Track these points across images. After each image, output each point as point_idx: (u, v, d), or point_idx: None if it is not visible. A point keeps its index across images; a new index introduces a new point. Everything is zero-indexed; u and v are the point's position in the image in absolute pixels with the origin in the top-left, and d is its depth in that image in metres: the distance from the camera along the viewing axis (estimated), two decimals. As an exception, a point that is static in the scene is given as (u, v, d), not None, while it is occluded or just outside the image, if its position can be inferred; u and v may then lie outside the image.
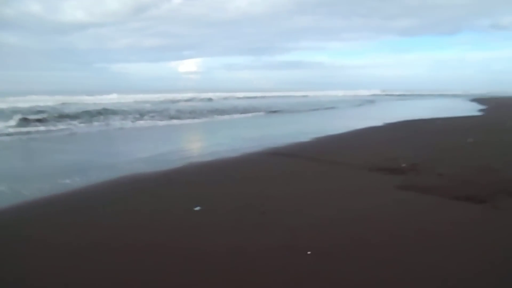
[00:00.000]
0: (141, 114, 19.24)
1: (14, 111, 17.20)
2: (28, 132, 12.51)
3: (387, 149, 8.75)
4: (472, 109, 24.33)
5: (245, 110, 22.90)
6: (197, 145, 10.65)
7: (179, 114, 20.07)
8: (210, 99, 36.94)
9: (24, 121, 14.54)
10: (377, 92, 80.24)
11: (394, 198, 4.85)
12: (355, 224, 3.92)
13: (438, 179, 5.81)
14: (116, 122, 16.10)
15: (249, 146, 9.35)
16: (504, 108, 26.22)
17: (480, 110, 23.16)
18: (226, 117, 19.82)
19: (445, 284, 2.73)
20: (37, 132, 12.78)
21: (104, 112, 18.78)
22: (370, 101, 41.06)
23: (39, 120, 15.17)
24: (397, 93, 75.98)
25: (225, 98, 41.25)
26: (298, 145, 9.48)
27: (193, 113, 20.69)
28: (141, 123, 16.32)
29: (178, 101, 33.28)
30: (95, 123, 15.64)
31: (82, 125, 15.05)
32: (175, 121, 17.39)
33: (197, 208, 4.36)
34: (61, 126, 14.33)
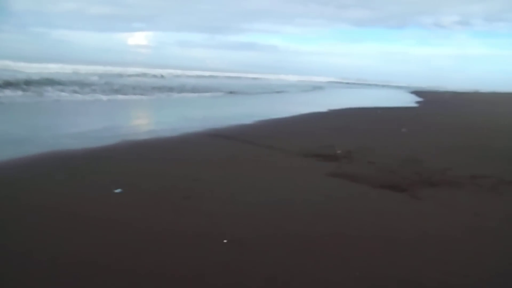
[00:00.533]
0: (82, 86, 18.00)
1: None
2: None
3: (327, 136, 8.86)
4: (410, 101, 25.59)
5: (194, 89, 22.29)
6: (136, 122, 10.12)
7: (125, 89, 19.05)
8: (162, 76, 35.50)
9: None
10: (329, 79, 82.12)
11: (322, 186, 4.86)
12: (278, 211, 3.85)
13: (368, 168, 5.93)
14: (52, 94, 14.90)
15: (190, 126, 9.03)
16: (438, 102, 27.88)
17: (417, 102, 24.40)
18: (175, 95, 19.16)
19: (359, 270, 2.73)
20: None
21: (39, 82, 17.30)
22: (320, 87, 41.89)
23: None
24: (347, 81, 78.40)
25: (177, 76, 39.91)
26: (240, 128, 9.32)
27: (140, 89, 19.72)
28: (80, 96, 15.25)
29: (125, 75, 31.62)
30: (28, 93, 14.36)
31: (12, 94, 13.74)
32: (119, 96, 16.48)
33: (118, 191, 4.06)
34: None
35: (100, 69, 32.89)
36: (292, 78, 67.19)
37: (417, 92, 40.86)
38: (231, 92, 23.12)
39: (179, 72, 47.88)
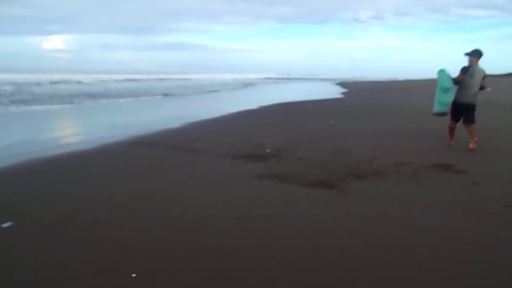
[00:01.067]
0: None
1: None
2: None
3: (256, 134, 8.61)
4: (336, 92, 26.61)
5: (119, 95, 20.89)
6: (48, 136, 8.99)
7: (40, 99, 17.24)
8: (79, 82, 32.84)
9: None
10: (260, 75, 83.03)
11: (250, 190, 4.54)
12: (198, 225, 3.45)
13: (297, 165, 5.77)
14: None
15: (112, 135, 8.25)
16: (361, 92, 29.36)
17: (342, 93, 25.43)
18: (97, 102, 17.73)
19: (291, 269, 2.43)
20: None
21: None
22: (251, 84, 42.03)
23: None
24: (277, 76, 79.91)
25: (102, 81, 37.42)
26: (166, 133, 8.72)
27: (58, 98, 17.97)
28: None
29: (42, 83, 28.82)
30: None
31: None
32: (33, 107, 14.78)
33: (6, 225, 3.36)
34: None
35: (9, 77, 29.59)
36: (224, 76, 66.85)
37: (342, 84, 42.82)
38: (159, 95, 22.09)
39: (103, 76, 45.03)
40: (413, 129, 9.41)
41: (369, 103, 17.96)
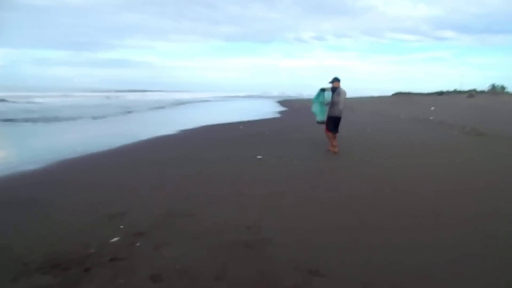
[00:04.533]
0: None
1: None
2: None
3: (131, 187, 5.34)
4: (275, 112, 23.96)
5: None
6: None
7: None
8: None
9: None
10: (204, 94, 79.78)
11: None
12: None
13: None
14: None
15: None
16: (300, 110, 27.07)
17: (280, 113, 22.87)
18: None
19: None
20: None
21: None
22: (188, 102, 38.52)
23: None
24: (222, 94, 76.97)
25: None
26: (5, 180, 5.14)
27: None
28: None
29: None
30: None
31: None
32: None
33: None
34: None
35: None
36: (164, 95, 62.65)
37: (282, 102, 40.61)
38: (54, 119, 17.93)
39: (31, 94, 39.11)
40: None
41: (304, 125, 15.38)
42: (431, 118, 16.40)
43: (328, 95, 8.07)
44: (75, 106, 25.77)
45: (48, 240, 3.44)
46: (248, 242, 3.46)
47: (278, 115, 20.87)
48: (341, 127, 8.58)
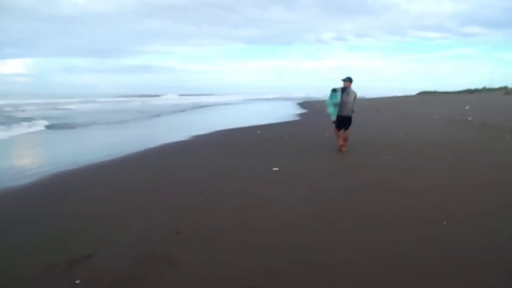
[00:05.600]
0: None
1: None
2: None
3: (106, 217, 4.25)
4: (294, 114, 22.54)
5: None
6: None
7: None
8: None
9: None
10: (226, 97, 79.24)
11: None
12: None
13: None
14: None
15: None
16: (321, 112, 25.58)
17: (300, 115, 21.48)
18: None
19: None
20: None
21: None
22: (208, 106, 37.70)
23: None
24: (244, 97, 76.02)
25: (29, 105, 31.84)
26: None
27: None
28: None
29: None
30: None
31: None
32: None
33: None
34: None
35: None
36: (184, 98, 62.40)
37: (303, 104, 39.00)
38: (72, 125, 17.31)
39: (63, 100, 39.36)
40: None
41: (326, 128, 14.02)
42: (470, 118, 14.67)
43: (340, 96, 8.05)
44: (94, 112, 25.35)
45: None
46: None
47: (298, 118, 19.56)
48: (369, 129, 7.32)
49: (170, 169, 6.71)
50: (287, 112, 24.86)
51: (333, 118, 8.27)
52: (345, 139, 8.27)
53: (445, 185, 5.46)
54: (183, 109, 29.83)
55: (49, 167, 6.91)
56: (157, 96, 74.27)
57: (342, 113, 8.08)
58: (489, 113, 16.72)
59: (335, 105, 8.14)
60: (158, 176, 6.08)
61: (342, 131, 8.30)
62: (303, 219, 4.03)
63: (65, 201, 4.75)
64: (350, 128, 8.31)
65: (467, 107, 19.53)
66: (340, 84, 8.15)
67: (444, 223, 3.84)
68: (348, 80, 8.08)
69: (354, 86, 8.22)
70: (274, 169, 6.52)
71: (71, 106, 32.28)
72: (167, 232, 3.67)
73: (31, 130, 14.11)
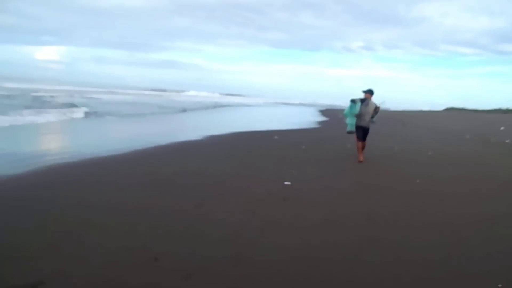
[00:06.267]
0: None
1: None
2: None
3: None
4: (314, 121, 21.56)
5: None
6: None
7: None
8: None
9: None
10: (248, 98, 78.71)
11: None
12: None
13: None
14: None
15: None
16: (343, 121, 24.49)
17: (320, 123, 20.48)
18: None
19: None
20: None
21: None
22: (228, 105, 37.12)
23: None
24: (267, 100, 75.10)
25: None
26: None
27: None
28: None
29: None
30: None
31: None
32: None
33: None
34: None
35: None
36: (207, 96, 62.16)
37: (324, 111, 37.81)
38: (105, 114, 16.99)
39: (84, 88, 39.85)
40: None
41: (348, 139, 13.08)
42: (507, 141, 13.38)
43: (359, 106, 8.08)
44: (116, 103, 25.16)
45: None
46: None
47: (318, 126, 18.62)
48: (395, 143, 6.40)
49: (171, 173, 6.02)
50: (308, 119, 23.94)
51: (349, 128, 8.33)
52: (362, 148, 8.29)
53: (482, 219, 4.53)
54: (204, 107, 29.36)
55: (37, 159, 6.36)
56: (181, 91, 74.42)
57: (360, 123, 8.13)
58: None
59: (354, 115, 8.16)
60: (154, 182, 5.39)
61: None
62: (315, 254, 3.23)
63: (34, 207, 4.12)
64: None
65: (502, 128, 18.10)
66: (362, 95, 8.18)
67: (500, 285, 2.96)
68: (369, 92, 8.20)
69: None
70: (286, 183, 5.73)
71: (97, 95, 32.41)
72: (142, 257, 2.95)
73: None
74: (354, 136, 8.29)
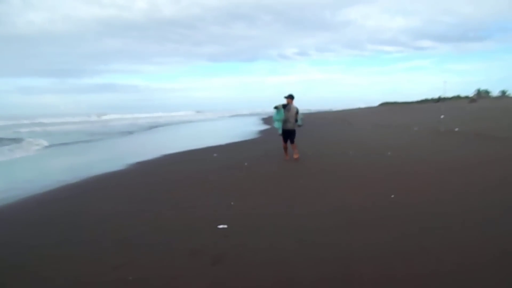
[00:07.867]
0: None
1: None
2: None
3: None
4: (255, 131, 20.13)
5: None
6: None
7: None
8: None
9: None
10: (187, 115, 76.15)
11: None
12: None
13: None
14: None
15: None
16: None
17: (262, 132, 19.09)
18: None
19: None
20: None
21: None
22: (167, 124, 34.59)
23: None
24: (205, 115, 72.79)
25: None
26: None
27: None
28: None
29: None
30: None
31: None
32: None
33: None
34: None
35: None
36: (145, 117, 58.58)
37: (266, 119, 36.55)
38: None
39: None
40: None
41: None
42: (457, 129, 12.86)
43: (283, 112, 8.53)
44: (36, 134, 21.68)
45: None
46: None
47: (261, 135, 17.12)
48: (349, 148, 5.06)
49: (61, 225, 4.00)
50: (251, 129, 22.47)
51: (280, 131, 8.79)
52: (294, 148, 8.76)
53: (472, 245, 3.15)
54: (134, 130, 26.59)
55: None
56: (116, 114, 69.64)
57: (286, 127, 8.63)
58: (469, 121, 15.17)
59: (281, 121, 8.60)
60: (39, 249, 3.35)
61: (288, 143, 8.75)
62: None
63: None
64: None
65: (442, 116, 18.03)
66: (277, 103, 8.59)
67: None
68: (290, 97, 8.66)
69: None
70: (220, 226, 3.97)
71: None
72: None
73: None
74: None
